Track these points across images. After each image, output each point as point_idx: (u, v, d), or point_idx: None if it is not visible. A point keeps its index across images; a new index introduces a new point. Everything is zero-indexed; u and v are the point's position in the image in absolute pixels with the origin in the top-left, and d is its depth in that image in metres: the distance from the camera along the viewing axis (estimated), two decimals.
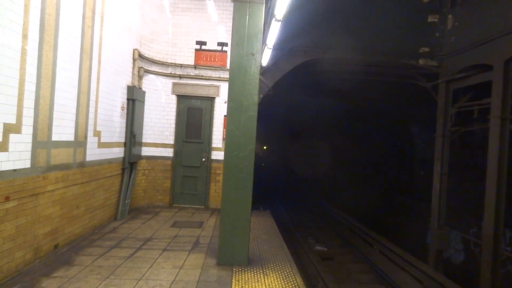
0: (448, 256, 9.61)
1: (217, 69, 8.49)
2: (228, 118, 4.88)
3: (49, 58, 4.64)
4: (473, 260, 8.76)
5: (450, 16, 8.43)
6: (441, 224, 8.50)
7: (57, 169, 5.00)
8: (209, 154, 8.60)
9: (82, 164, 5.74)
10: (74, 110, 5.37)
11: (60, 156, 5.06)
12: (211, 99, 8.64)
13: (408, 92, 10.44)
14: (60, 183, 5.08)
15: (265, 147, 37.64)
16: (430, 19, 8.62)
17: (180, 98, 8.65)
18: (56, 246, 5.16)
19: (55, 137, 4.91)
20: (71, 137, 5.35)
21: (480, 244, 7.21)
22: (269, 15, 5.60)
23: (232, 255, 4.91)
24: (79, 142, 5.60)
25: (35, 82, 4.39)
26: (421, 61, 8.63)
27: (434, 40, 8.61)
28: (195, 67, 8.49)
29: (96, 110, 6.10)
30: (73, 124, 5.39)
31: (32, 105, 4.37)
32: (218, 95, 8.54)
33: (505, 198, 6.72)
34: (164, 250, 5.50)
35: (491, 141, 6.82)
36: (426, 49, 8.62)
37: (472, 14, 7.69)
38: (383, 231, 11.14)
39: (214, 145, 8.58)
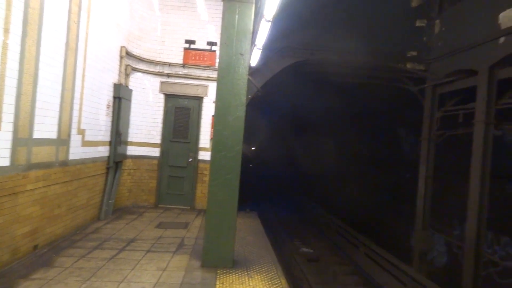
0: (432, 258, 9.74)
1: (205, 68, 8.41)
2: (215, 118, 4.82)
3: (32, 54, 4.51)
4: (456, 262, 8.89)
5: (437, 21, 8.55)
6: (425, 226, 8.60)
7: (38, 167, 4.86)
8: (196, 154, 8.51)
9: (65, 163, 5.60)
10: (57, 107, 5.24)
11: (41, 154, 4.92)
12: (199, 99, 8.55)
13: (396, 95, 10.53)
14: (41, 182, 4.94)
15: (253, 148, 37.60)
16: (418, 23, 8.74)
17: (168, 97, 8.53)
18: (35, 247, 5.01)
19: (36, 135, 4.77)
20: (53, 135, 5.21)
21: (462, 247, 7.32)
22: (258, 15, 5.56)
23: (217, 257, 4.85)
24: (62, 140, 5.46)
25: (16, 77, 4.25)
26: (408, 65, 8.74)
27: (421, 45, 8.73)
28: (183, 66, 8.39)
29: (80, 108, 5.96)
30: (56, 122, 5.25)
31: (13, 101, 4.23)
32: (206, 94, 8.47)
33: (488, 202, 6.84)
34: (148, 251, 5.40)
35: (475, 145, 6.93)
36: (414, 53, 8.73)
37: (459, 19, 7.81)
38: (370, 233, 11.21)
39: (201, 145, 8.49)
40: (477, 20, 7.20)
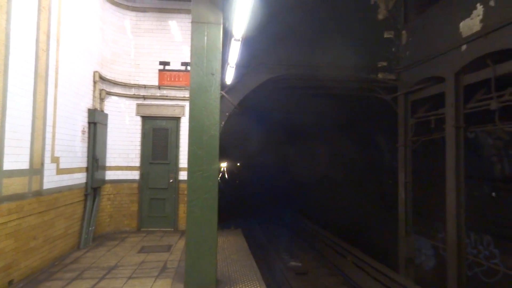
0: (420, 263, 9.82)
1: (181, 89, 8.45)
2: (190, 138, 4.82)
3: None
4: (444, 264, 9.00)
5: (404, 32, 8.88)
6: (409, 232, 8.71)
7: (10, 199, 4.73)
8: (176, 175, 8.45)
9: (39, 193, 5.47)
10: (28, 137, 5.15)
11: (13, 186, 4.80)
12: (176, 119, 8.55)
13: (374, 104, 10.76)
14: (14, 214, 4.81)
15: (238, 164, 37.54)
16: (386, 35, 9.05)
17: (145, 119, 8.50)
18: (10, 282, 4.83)
19: (7, 166, 4.67)
20: (25, 165, 5.10)
21: (445, 249, 7.43)
22: (228, 35, 5.67)
23: (199, 278, 4.78)
24: (35, 170, 5.35)
25: None
26: (380, 75, 8.99)
27: (391, 55, 9.02)
28: (159, 87, 8.40)
29: (53, 136, 5.87)
30: (27, 151, 5.15)
31: None
32: (183, 114, 8.47)
33: (467, 203, 7.00)
34: (129, 278, 5.29)
35: (448, 149, 7.13)
36: (384, 64, 9.00)
37: (424, 29, 8.13)
38: (358, 241, 11.25)
39: (181, 165, 8.44)
40: (440, 30, 7.51)
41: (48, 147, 5.70)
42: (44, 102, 5.54)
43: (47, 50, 5.59)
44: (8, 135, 4.67)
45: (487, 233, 8.02)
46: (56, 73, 5.89)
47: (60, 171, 6.12)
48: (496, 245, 7.59)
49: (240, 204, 20.84)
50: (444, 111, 7.36)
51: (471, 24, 6.62)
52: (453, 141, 6.96)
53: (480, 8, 6.40)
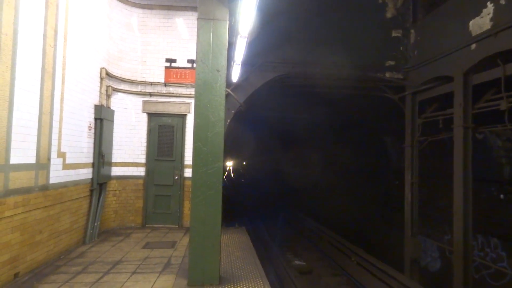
0: (426, 264, 9.73)
1: (187, 86, 8.46)
2: (195, 135, 4.82)
3: (6, 79, 4.49)
4: (450, 266, 8.90)
5: (412, 30, 8.78)
6: (414, 233, 8.62)
7: (17, 193, 4.78)
8: (181, 171, 8.48)
9: (45, 187, 5.52)
10: (35, 132, 5.19)
11: (20, 180, 4.85)
12: (182, 116, 8.57)
13: (381, 104, 10.66)
14: (20, 208, 4.86)
15: (244, 163, 37.56)
16: (394, 33, 8.95)
17: (151, 116, 8.53)
18: (16, 275, 4.89)
19: (14, 160, 4.72)
20: (32, 160, 5.14)
21: (452, 251, 7.34)
22: (234, 32, 5.65)
23: (202, 275, 4.78)
24: (42, 164, 5.40)
25: None
26: (387, 74, 8.90)
27: (399, 54, 8.91)
28: (165, 84, 8.43)
29: (60, 131, 5.92)
30: (34, 146, 5.20)
31: None
32: (189, 112, 8.48)
33: (474, 205, 6.90)
34: (134, 273, 5.31)
35: (456, 150, 7.03)
36: (392, 63, 8.90)
37: (432, 28, 8.03)
38: (363, 242, 11.17)
39: (186, 162, 8.47)
40: (449, 29, 7.41)
41: (54, 142, 5.75)
42: (51, 97, 5.59)
43: (55, 46, 5.64)
44: (15, 129, 4.71)
45: (494, 235, 7.92)
46: (63, 69, 5.93)
47: (66, 166, 6.17)
48: (504, 248, 7.50)
49: (246, 203, 20.86)
50: (452, 111, 7.26)
51: (481, 22, 6.51)
52: (461, 141, 6.86)
53: (490, 7, 6.29)
